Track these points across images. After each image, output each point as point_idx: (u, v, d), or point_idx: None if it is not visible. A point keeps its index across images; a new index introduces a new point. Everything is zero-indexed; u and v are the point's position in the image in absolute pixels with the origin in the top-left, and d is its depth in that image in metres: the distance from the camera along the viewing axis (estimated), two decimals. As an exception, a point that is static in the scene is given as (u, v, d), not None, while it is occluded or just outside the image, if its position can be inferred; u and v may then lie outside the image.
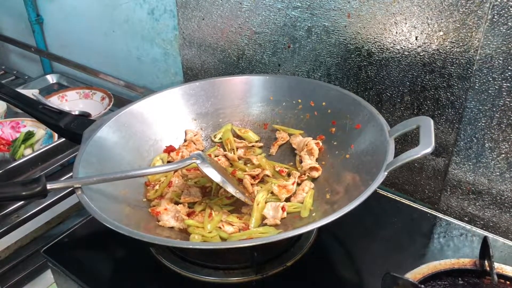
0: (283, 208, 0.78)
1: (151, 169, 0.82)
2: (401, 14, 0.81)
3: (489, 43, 0.74)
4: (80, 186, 0.70)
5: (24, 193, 0.68)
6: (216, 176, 0.75)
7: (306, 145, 0.87)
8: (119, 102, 1.33)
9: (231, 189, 0.77)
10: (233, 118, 0.96)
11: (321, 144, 0.87)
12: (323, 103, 0.89)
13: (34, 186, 0.68)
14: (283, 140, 0.92)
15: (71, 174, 0.97)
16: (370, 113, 0.79)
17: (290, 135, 0.93)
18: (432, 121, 0.69)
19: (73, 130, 0.84)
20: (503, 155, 0.80)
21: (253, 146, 0.93)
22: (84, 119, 0.87)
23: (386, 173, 0.66)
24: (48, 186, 0.69)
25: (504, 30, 0.72)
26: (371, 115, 0.79)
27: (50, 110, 0.88)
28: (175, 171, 0.86)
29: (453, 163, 0.86)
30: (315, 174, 0.84)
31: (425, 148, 0.65)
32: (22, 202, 0.97)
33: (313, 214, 0.76)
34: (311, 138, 0.88)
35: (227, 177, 0.79)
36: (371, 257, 0.78)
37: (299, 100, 0.92)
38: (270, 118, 0.95)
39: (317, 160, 0.86)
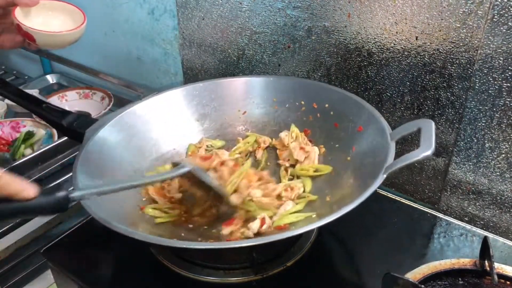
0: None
1: (147, 179, 0.79)
2: (401, 14, 0.81)
3: (489, 43, 0.74)
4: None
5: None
6: (212, 180, 0.76)
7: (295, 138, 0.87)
8: (119, 102, 1.33)
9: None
10: (236, 120, 0.96)
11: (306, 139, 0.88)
12: (326, 105, 0.88)
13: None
14: (265, 143, 0.92)
15: (71, 174, 0.97)
16: (372, 115, 0.79)
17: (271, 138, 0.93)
18: (433, 124, 0.69)
19: (76, 129, 0.84)
20: (503, 155, 0.80)
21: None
22: (87, 118, 0.87)
23: (385, 175, 0.66)
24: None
25: (504, 30, 0.72)
26: (373, 118, 0.79)
27: (53, 109, 0.88)
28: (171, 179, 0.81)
29: (453, 163, 0.86)
30: (307, 155, 0.85)
31: (425, 150, 0.64)
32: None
33: (313, 216, 0.76)
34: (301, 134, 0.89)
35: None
36: (371, 257, 0.78)
37: (302, 102, 0.92)
38: (273, 119, 0.95)
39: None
